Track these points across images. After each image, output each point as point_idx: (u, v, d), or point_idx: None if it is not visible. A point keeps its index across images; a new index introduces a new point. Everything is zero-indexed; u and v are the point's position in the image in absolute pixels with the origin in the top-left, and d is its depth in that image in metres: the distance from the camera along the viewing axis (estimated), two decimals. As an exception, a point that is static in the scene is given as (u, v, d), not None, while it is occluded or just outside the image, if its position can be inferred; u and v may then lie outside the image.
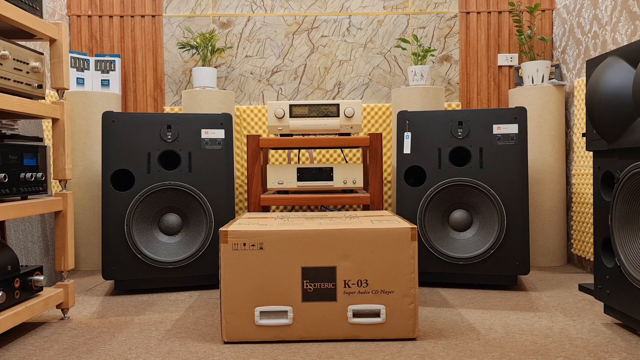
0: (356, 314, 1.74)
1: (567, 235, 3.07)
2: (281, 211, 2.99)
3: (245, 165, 3.32)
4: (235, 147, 3.30)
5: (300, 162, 3.31)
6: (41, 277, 1.91)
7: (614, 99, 1.70)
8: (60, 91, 2.01)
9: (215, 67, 3.33)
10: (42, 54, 1.93)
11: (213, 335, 1.83)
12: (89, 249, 3.02)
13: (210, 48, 3.15)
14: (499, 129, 2.42)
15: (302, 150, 3.31)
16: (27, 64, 1.84)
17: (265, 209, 2.86)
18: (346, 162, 3.26)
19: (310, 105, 2.68)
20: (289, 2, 3.34)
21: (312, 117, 2.68)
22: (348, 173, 2.65)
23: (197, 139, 2.49)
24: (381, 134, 2.63)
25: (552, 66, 3.09)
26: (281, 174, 2.65)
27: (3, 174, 1.70)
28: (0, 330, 1.63)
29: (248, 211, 2.63)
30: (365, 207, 2.91)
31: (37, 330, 1.91)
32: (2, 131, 1.94)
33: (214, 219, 2.47)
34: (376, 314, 1.74)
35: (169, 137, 2.47)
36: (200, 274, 2.47)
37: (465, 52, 3.32)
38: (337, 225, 1.78)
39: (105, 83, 3.15)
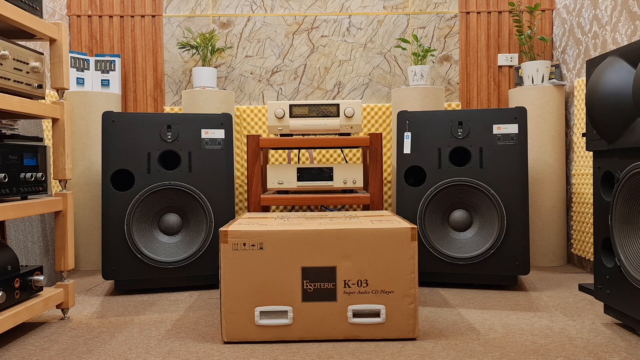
0: (356, 314, 1.74)
1: (567, 235, 3.07)
2: (281, 211, 2.99)
3: (245, 165, 3.32)
4: (235, 147, 3.30)
5: (300, 162, 3.31)
6: (41, 277, 1.91)
7: (614, 99, 1.70)
8: (60, 91, 2.01)
9: (215, 67, 3.33)
10: (42, 54, 1.93)
11: (213, 335, 1.83)
12: (89, 249, 3.02)
13: (210, 48, 3.15)
14: (499, 129, 2.42)
15: (302, 150, 3.31)
16: (27, 64, 1.84)
17: (265, 209, 2.86)
18: (346, 162, 3.26)
19: (310, 105, 2.68)
20: (289, 2, 3.34)
21: (312, 117, 2.68)
22: (348, 173, 2.65)
23: (197, 139, 2.49)
24: (381, 134, 2.63)
25: (552, 66, 3.09)
26: (281, 174, 2.65)
27: (3, 174, 1.70)
28: (0, 330, 1.63)
29: (248, 211, 2.63)
30: (365, 207, 2.91)
31: (37, 330, 1.91)
32: (2, 131, 1.94)
33: (214, 219, 2.47)
34: (376, 314, 1.74)
35: (169, 137, 2.47)
36: (200, 274, 2.47)
37: (465, 52, 3.32)
38: (337, 225, 1.78)
39: (105, 83, 3.15)
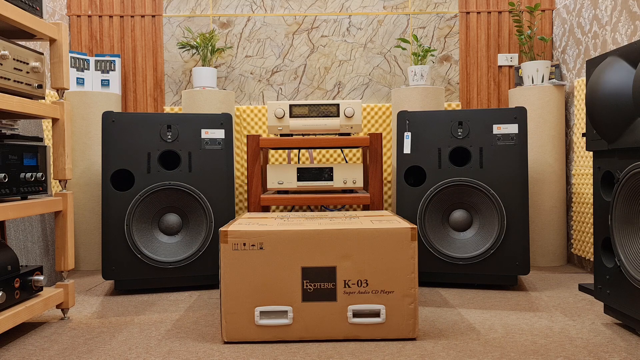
0: (356, 314, 1.74)
1: (567, 235, 3.07)
2: (281, 211, 2.99)
3: (245, 165, 3.32)
4: (235, 147, 3.30)
5: (300, 162, 3.31)
6: (41, 277, 1.91)
7: (614, 99, 1.70)
8: (60, 91, 2.01)
9: (215, 67, 3.33)
10: (42, 54, 1.93)
11: (213, 335, 1.83)
12: (89, 249, 3.02)
13: (210, 48, 3.15)
14: (499, 129, 2.42)
15: (302, 150, 3.31)
16: (27, 64, 1.84)
17: (265, 209, 2.86)
18: (346, 162, 3.26)
19: (310, 105, 2.68)
20: (289, 2, 3.34)
21: (312, 117, 2.68)
22: (348, 173, 2.65)
23: (197, 139, 2.49)
24: (381, 134, 2.63)
25: (552, 66, 3.09)
26: (281, 174, 2.65)
27: (3, 174, 1.70)
28: (0, 330, 1.63)
29: (248, 211, 2.63)
30: (365, 207, 2.91)
31: (37, 330, 1.91)
32: (2, 131, 1.94)
33: (214, 219, 2.47)
34: (376, 314, 1.74)
35: (169, 137, 2.47)
36: (200, 274, 2.47)
37: (465, 52, 3.32)
38: (337, 225, 1.78)
39: (105, 83, 3.15)
